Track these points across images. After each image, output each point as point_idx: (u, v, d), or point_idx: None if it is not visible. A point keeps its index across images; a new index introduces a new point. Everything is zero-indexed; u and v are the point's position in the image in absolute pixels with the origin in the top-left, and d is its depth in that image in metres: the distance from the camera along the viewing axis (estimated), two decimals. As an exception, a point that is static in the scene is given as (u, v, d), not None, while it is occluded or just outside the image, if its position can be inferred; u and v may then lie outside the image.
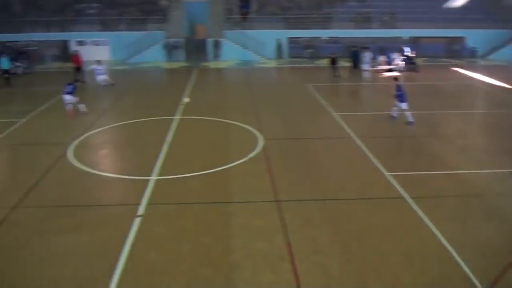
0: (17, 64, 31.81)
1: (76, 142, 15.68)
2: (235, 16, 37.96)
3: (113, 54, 37.13)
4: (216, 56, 37.19)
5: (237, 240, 9.34)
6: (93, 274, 8.30)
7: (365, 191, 11.72)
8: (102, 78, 25.95)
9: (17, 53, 33.47)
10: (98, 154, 14.92)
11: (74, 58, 28.43)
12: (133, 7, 38.77)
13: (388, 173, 12.67)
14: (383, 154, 14.36)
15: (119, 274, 8.24)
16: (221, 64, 35.96)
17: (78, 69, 27.92)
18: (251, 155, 14.25)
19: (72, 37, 36.84)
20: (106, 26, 37.68)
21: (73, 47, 36.09)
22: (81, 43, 36.78)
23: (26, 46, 35.95)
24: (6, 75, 27.32)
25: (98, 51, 36.30)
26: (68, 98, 19.24)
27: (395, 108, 18.01)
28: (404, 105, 17.54)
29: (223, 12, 39.64)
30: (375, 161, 13.65)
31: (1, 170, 13.99)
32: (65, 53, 35.95)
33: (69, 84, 19.59)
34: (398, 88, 17.84)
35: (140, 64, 35.19)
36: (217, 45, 36.99)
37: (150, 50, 36.67)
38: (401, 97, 17.62)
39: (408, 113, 17.49)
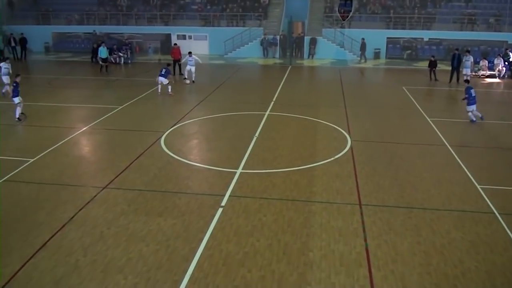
0: (120, 54, 33.99)
1: (169, 131, 16.43)
2: (335, 14, 37.54)
3: (211, 49, 38.33)
4: (312, 54, 37.09)
5: (315, 240, 9.29)
6: (172, 258, 8.65)
7: (453, 202, 11.12)
8: (189, 69, 26.32)
9: (121, 44, 35.64)
10: (189, 144, 15.50)
11: (174, 51, 29.61)
12: (235, 4, 39.69)
13: (480, 186, 11.94)
14: (477, 165, 13.54)
15: (196, 260, 8.53)
16: (315, 62, 35.83)
17: (177, 62, 29.09)
18: (338, 155, 14.07)
19: (174, 31, 38.48)
20: (207, 21, 38.95)
21: (175, 40, 37.73)
22: (182, 37, 38.33)
23: (130, 38, 38.04)
24: (103, 63, 30.17)
25: (197, 45, 37.73)
26: (160, 79, 22.19)
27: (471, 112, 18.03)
28: (469, 108, 17.89)
29: (323, 9, 39.40)
30: (467, 171, 12.93)
31: (96, 152, 15.00)
32: (166, 46, 37.67)
33: (164, 68, 22.10)
34: (468, 91, 17.77)
35: (236, 59, 36.01)
36: (313, 43, 36.86)
37: (247, 46, 37.41)
38: (469, 100, 17.81)
39: (470, 114, 17.88)
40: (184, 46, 37.58)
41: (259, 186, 11.84)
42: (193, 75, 26.16)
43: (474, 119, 17.92)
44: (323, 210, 10.61)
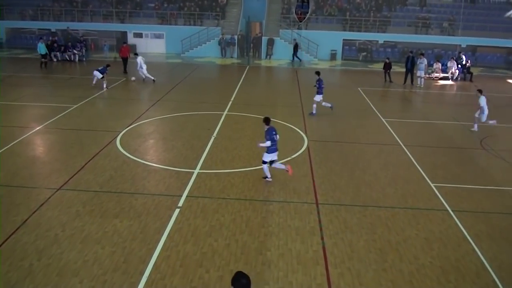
0: (75, 51, 33.22)
1: (125, 131, 16.17)
2: (292, 16, 37.89)
3: (168, 47, 37.96)
4: (269, 54, 37.33)
5: (273, 239, 9.36)
6: (128, 260, 8.52)
7: (407, 200, 11.45)
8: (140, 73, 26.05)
9: (75, 41, 34.83)
10: (146, 144, 15.28)
11: (123, 49, 29.29)
12: (192, 2, 39.44)
13: (434, 184, 12.35)
14: (430, 163, 13.99)
15: (153, 262, 8.44)
16: (273, 63, 36.06)
17: (125, 59, 28.88)
18: (295, 155, 14.22)
19: (130, 29, 37.89)
20: (164, 19, 38.54)
21: (131, 39, 37.22)
22: (138, 35, 37.80)
23: (85, 35, 37.19)
24: (43, 59, 30.05)
25: (154, 44, 37.32)
26: (95, 73, 23.41)
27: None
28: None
29: (280, 10, 39.71)
30: (421, 170, 13.33)
31: (50, 153, 14.56)
32: (121, 44, 37.00)
33: (105, 66, 23.67)
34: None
35: (194, 58, 35.79)
36: (271, 43, 37.12)
37: (205, 45, 37.26)
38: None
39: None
40: (141, 44, 37.27)
41: (217, 186, 11.82)
42: (144, 74, 25.93)
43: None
44: (280, 209, 10.70)
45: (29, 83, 25.13)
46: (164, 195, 11.24)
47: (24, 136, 15.46)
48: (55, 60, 33.08)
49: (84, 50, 34.14)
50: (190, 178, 12.21)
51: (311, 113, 19.21)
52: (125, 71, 28.41)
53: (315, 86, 19.24)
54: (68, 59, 33.20)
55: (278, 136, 12.02)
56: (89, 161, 13.39)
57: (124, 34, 38.16)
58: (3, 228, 9.76)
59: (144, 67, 25.65)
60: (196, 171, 12.74)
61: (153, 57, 35.20)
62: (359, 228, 9.93)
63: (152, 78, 25.69)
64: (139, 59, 25.67)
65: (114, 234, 9.42)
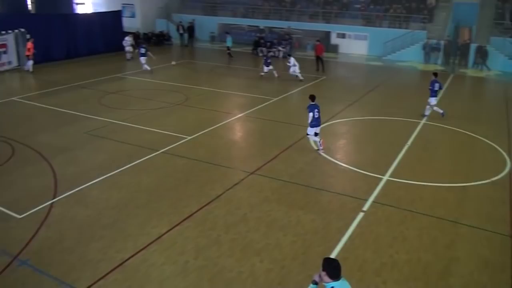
0: (280, 48, 34.91)
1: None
2: (506, 22, 34.23)
3: (370, 49, 37.54)
4: (477, 63, 34.34)
5: (458, 266, 8.65)
6: (307, 252, 8.77)
7: None
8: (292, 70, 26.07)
9: (281, 39, 36.56)
10: (338, 143, 15.41)
11: (317, 47, 29.64)
12: (399, 4, 38.37)
13: None
14: None
15: (332, 261, 8.50)
16: (480, 73, 33.19)
17: (320, 57, 29.21)
18: (494, 178, 12.90)
19: (334, 29, 38.43)
20: (368, 21, 38.24)
21: (334, 39, 37.79)
22: (341, 35, 38.17)
23: (290, 33, 38.74)
24: (229, 51, 32.86)
25: (356, 45, 37.31)
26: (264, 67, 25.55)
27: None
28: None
29: (493, 16, 36.22)
30: None
31: (248, 139, 15.70)
32: (324, 44, 37.73)
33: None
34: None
35: (395, 62, 34.81)
36: (480, 51, 34.10)
37: (408, 49, 35.91)
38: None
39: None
40: (343, 44, 37.56)
41: (405, 197, 11.35)
42: (295, 73, 25.78)
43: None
44: (471, 235, 9.82)
45: (234, 74, 27.34)
46: (349, 196, 11.22)
47: (227, 121, 16.88)
48: (260, 55, 35.24)
49: (288, 48, 35.66)
50: (378, 184, 11.97)
51: (424, 114, 18.83)
52: (317, 69, 28.93)
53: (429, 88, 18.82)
54: (272, 55, 35.06)
55: (319, 113, 13.91)
56: (282, 151, 14.07)
57: (327, 34, 38.85)
58: (199, 198, 10.88)
59: (298, 65, 25.71)
60: (385, 178, 12.42)
61: (355, 58, 35.27)
62: None
63: (301, 78, 25.79)
64: (292, 60, 25.91)
65: (298, 225, 9.75)
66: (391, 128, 17.32)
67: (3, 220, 9.89)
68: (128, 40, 32.06)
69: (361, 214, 10.31)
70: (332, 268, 5.21)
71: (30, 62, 26.33)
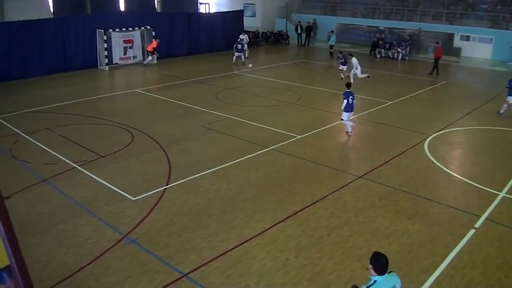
0: (399, 50, 33.74)
1: (435, 135, 15.82)
2: None
3: (494, 54, 34.83)
4: None
5: None
6: (411, 265, 8.42)
7: None
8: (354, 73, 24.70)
9: (401, 40, 35.31)
10: (453, 153, 14.60)
11: (436, 50, 28.21)
12: (532, 5, 35.16)
13: None
14: None
15: (436, 276, 8.13)
16: None
17: (438, 60, 27.76)
18: None
19: (457, 31, 36.25)
20: (495, 23, 35.47)
21: (457, 41, 35.70)
22: (465, 38, 35.89)
23: (412, 34, 37.23)
24: (331, 50, 33.28)
25: (480, 48, 34.91)
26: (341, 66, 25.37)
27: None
28: None
29: None
30: None
31: (358, 142, 15.39)
32: (447, 46, 35.81)
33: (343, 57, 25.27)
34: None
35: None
36: None
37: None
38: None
39: None
40: (466, 48, 35.27)
41: (525, 217, 10.47)
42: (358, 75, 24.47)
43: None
44: None
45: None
46: (461, 211, 10.58)
47: (338, 122, 16.68)
48: (378, 56, 34.42)
49: (408, 49, 34.38)
50: (493, 200, 11.12)
51: (499, 112, 18.74)
52: (431, 73, 27.56)
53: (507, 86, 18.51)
54: (391, 56, 34.07)
55: (353, 100, 15.30)
56: (394, 157, 13.66)
57: (450, 36, 36.76)
58: (304, 197, 10.95)
59: (359, 68, 24.19)
60: (502, 194, 11.50)
61: (478, 62, 33.04)
62: None
63: (367, 75, 24.60)
64: (355, 60, 24.28)
65: (404, 235, 9.42)
66: (512, 140, 16.05)
67: (118, 201, 10.72)
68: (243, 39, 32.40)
69: (472, 231, 9.67)
70: (380, 264, 5.47)
71: (150, 57, 28.39)
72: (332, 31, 35.95)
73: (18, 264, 5.45)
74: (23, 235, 6.89)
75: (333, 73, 27.20)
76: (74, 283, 7.76)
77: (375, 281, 5.41)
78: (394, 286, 5.54)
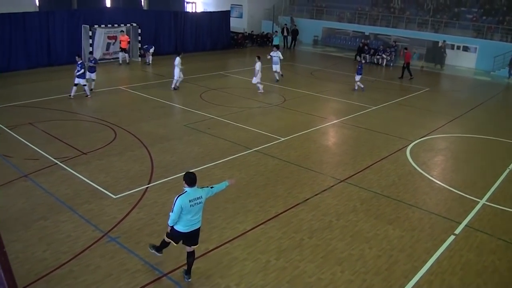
0: (383, 56, 34.04)
1: (417, 141, 16.01)
2: None
3: (478, 63, 35.37)
4: None
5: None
6: (391, 269, 8.51)
7: None
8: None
9: (386, 46, 35.61)
10: (435, 159, 14.76)
11: (406, 55, 29.04)
12: (515, 17, 35.72)
13: None
14: None
15: (415, 281, 8.22)
16: None
17: (407, 65, 28.55)
18: None
19: (442, 39, 36.66)
20: (479, 33, 36.00)
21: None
22: (450, 46, 36.30)
23: (396, 41, 37.53)
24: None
25: (464, 57, 35.44)
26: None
27: None
28: None
29: None
30: None
31: (341, 146, 15.49)
32: (431, 54, 36.24)
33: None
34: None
35: (504, 78, 32.46)
36: None
37: (520, 64, 33.31)
38: None
39: None
40: (451, 56, 35.68)
41: (501, 225, 10.58)
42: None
43: None
44: None
45: (334, 79, 27.11)
46: (442, 217, 10.71)
47: (322, 126, 16.81)
48: (363, 62, 34.57)
49: (393, 56, 34.69)
50: (473, 207, 11.28)
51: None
52: (401, 77, 28.49)
53: None
54: (375, 62, 34.34)
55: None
56: (376, 162, 13.78)
57: (435, 44, 37.18)
58: (286, 200, 10.99)
59: (259, 76, 22.84)
60: (482, 201, 11.68)
61: (461, 71, 33.52)
62: None
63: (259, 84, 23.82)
64: (258, 65, 23.70)
65: (384, 239, 9.50)
66: (494, 148, 16.24)
67: (99, 198, 10.64)
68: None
69: (452, 237, 9.79)
70: (189, 179, 7.26)
71: (123, 54, 28.17)
72: (276, 32, 38.81)
73: (0, 259, 5.36)
74: (2, 230, 6.77)
75: (318, 76, 27.29)
76: (53, 280, 7.67)
77: (185, 191, 7.25)
78: (201, 196, 7.37)
